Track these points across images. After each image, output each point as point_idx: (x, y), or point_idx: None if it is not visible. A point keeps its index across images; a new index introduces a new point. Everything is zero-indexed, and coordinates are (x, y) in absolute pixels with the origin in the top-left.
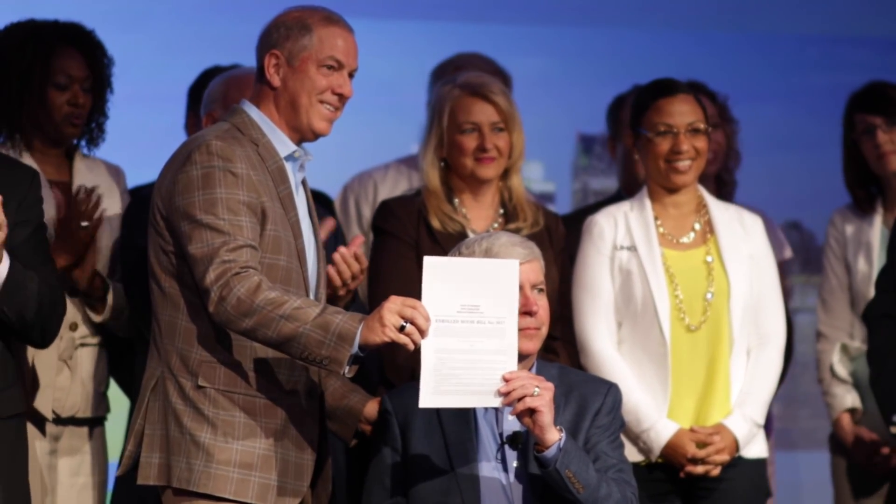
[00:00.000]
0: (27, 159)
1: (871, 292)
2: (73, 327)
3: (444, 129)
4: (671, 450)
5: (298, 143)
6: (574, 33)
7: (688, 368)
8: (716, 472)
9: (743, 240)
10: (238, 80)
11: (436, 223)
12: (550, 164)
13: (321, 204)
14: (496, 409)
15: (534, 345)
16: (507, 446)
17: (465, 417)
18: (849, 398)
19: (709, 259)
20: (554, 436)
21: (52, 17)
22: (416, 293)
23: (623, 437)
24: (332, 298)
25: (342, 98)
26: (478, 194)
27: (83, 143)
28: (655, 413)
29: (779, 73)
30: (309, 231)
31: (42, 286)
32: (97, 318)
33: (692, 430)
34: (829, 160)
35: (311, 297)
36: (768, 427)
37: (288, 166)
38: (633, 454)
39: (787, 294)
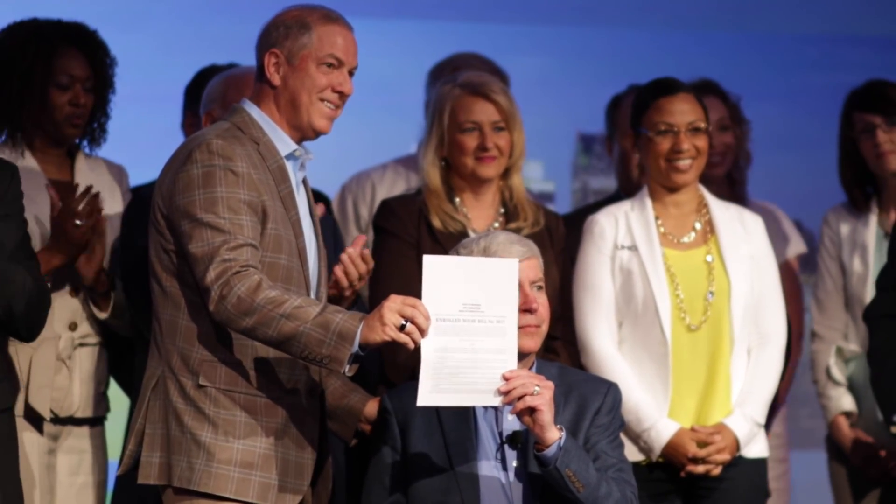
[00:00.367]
0: (29, 159)
1: (866, 293)
2: (73, 327)
3: (444, 128)
4: (672, 449)
5: (299, 141)
6: (573, 33)
7: (688, 368)
8: (716, 471)
9: (743, 239)
10: (237, 80)
11: (436, 222)
12: (550, 163)
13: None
14: (496, 409)
15: (534, 343)
16: (506, 446)
17: (464, 417)
18: (844, 401)
19: (709, 259)
20: (554, 434)
21: (52, 17)
22: (416, 292)
23: (623, 437)
24: (337, 299)
25: (342, 96)
26: (478, 194)
27: (85, 142)
28: (656, 412)
29: (778, 73)
30: (310, 230)
31: (28, 279)
32: (101, 315)
33: (693, 430)
34: (828, 160)
35: (312, 295)
36: (769, 426)
37: (288, 165)
38: (633, 454)
39: (798, 291)
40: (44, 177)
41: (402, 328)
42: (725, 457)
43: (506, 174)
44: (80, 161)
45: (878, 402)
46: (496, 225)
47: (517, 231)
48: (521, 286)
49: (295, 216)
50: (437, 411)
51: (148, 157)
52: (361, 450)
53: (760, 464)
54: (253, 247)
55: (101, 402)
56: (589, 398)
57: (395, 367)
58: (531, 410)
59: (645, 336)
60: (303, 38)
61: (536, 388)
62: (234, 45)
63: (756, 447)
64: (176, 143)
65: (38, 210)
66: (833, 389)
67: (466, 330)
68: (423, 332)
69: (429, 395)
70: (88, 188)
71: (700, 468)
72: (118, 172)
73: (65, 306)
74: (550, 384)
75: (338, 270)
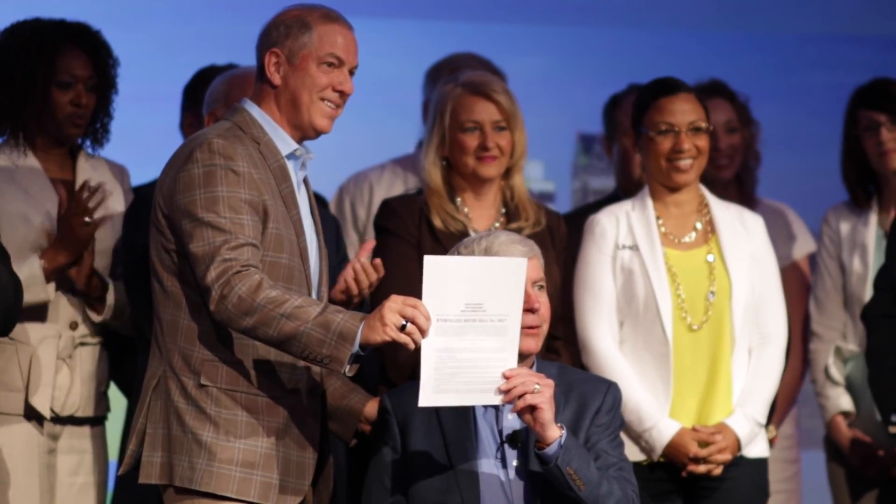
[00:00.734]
0: (31, 158)
1: (866, 293)
2: (73, 326)
3: (445, 127)
4: (673, 449)
5: (300, 141)
6: (574, 33)
7: (690, 368)
8: (718, 471)
9: (744, 239)
10: (240, 80)
11: (438, 222)
12: (550, 163)
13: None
14: (495, 408)
15: (535, 344)
16: (506, 445)
17: (464, 416)
18: (842, 401)
19: (710, 258)
20: (555, 433)
21: (52, 17)
22: (417, 292)
23: (624, 437)
24: (344, 305)
25: (343, 95)
26: (479, 193)
27: (87, 142)
28: (657, 412)
29: (778, 72)
30: (311, 229)
31: (4, 275)
32: (97, 318)
33: (694, 430)
34: (829, 159)
35: (314, 295)
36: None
37: (289, 164)
38: (634, 453)
39: (807, 291)
40: (47, 177)
41: (402, 328)
42: (726, 456)
43: (507, 174)
44: (82, 161)
45: (876, 402)
46: (497, 225)
47: (518, 231)
48: None
49: (296, 215)
50: (436, 411)
51: (148, 156)
52: (362, 450)
53: (761, 464)
54: (254, 246)
55: (101, 402)
56: (589, 397)
57: (395, 366)
58: (532, 409)
59: (646, 336)
60: (303, 38)
61: (537, 387)
62: (234, 45)
63: (757, 447)
64: (176, 143)
65: (41, 208)
66: (831, 389)
67: (467, 330)
68: (423, 333)
69: (430, 396)
70: (98, 185)
71: (701, 468)
72: (119, 172)
73: (66, 305)
74: (551, 382)
75: (349, 278)
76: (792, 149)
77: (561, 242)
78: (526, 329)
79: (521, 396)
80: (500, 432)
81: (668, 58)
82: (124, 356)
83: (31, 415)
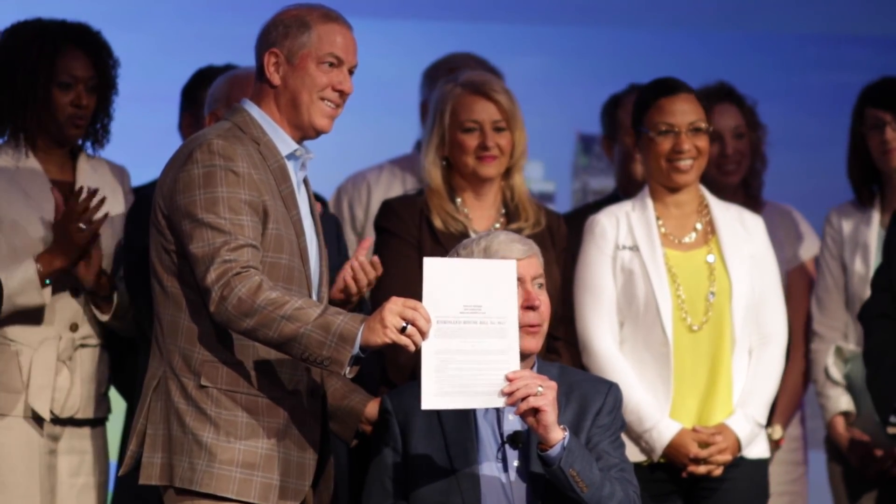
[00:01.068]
0: (31, 159)
1: (867, 293)
2: (74, 328)
3: (445, 127)
4: (673, 450)
5: (300, 141)
6: (573, 33)
7: (690, 368)
8: (718, 471)
9: (744, 240)
10: (241, 80)
11: (438, 223)
12: (550, 163)
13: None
14: (497, 409)
15: (536, 343)
16: (507, 446)
17: (465, 417)
18: (842, 401)
19: (710, 259)
20: (558, 434)
21: (52, 17)
22: (417, 293)
23: (625, 437)
24: (342, 303)
25: (343, 95)
26: (479, 193)
27: (88, 143)
28: (657, 413)
29: (779, 73)
30: (311, 229)
31: None
32: (103, 318)
33: (694, 430)
34: (829, 159)
35: (314, 295)
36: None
37: (289, 165)
38: (635, 454)
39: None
40: (47, 178)
41: (402, 330)
42: (727, 457)
43: (507, 174)
44: (83, 162)
45: (875, 402)
46: (497, 225)
47: (518, 231)
48: (522, 283)
49: (296, 216)
50: (437, 412)
51: (148, 157)
52: (362, 451)
53: (762, 464)
54: (254, 247)
55: (101, 403)
56: (590, 398)
57: (396, 367)
58: (535, 411)
59: (646, 336)
60: (302, 38)
61: (540, 389)
62: (234, 45)
63: (757, 448)
64: (175, 144)
65: (40, 211)
66: (831, 389)
67: (467, 332)
68: (423, 335)
69: (432, 398)
70: (95, 190)
71: (701, 469)
72: (120, 173)
73: (66, 307)
74: (553, 384)
75: (347, 277)
76: (792, 149)
77: (561, 243)
78: (527, 327)
79: (524, 399)
80: (502, 433)
81: (669, 58)
82: (124, 358)
83: (31, 416)
